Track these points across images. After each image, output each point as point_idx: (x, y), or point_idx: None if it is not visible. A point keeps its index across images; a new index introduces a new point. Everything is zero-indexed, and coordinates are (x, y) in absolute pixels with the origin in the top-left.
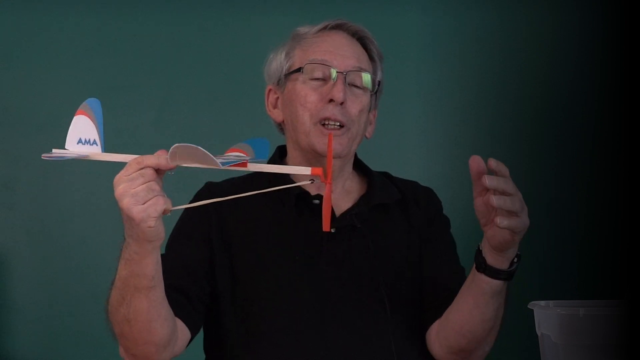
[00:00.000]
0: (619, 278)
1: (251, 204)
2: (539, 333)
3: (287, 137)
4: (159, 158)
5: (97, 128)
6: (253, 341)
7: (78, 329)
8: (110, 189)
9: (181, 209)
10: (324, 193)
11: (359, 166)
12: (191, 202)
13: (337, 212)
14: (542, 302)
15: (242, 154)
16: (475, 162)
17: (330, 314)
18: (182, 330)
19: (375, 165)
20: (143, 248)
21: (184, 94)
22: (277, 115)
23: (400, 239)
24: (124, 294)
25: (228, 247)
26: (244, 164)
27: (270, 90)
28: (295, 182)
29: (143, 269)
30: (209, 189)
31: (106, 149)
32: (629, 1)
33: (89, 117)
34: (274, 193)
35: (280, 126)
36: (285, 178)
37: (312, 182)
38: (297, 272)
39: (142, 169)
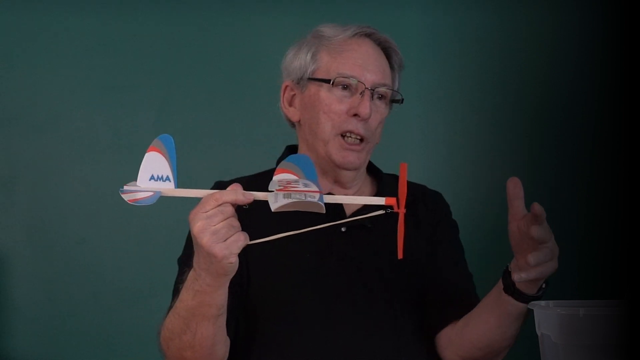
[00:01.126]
0: (619, 278)
1: (262, 202)
2: (539, 333)
3: (300, 137)
4: (237, 193)
5: (169, 164)
6: (261, 337)
7: (78, 329)
8: (111, 189)
9: (261, 242)
10: (333, 192)
11: (369, 168)
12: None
13: (348, 212)
14: (542, 302)
15: (292, 175)
16: (513, 184)
17: (339, 312)
18: (227, 344)
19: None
20: (218, 281)
21: (184, 94)
22: (293, 114)
23: (408, 240)
24: (188, 322)
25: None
26: (323, 198)
27: (287, 86)
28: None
29: (215, 299)
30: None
31: (106, 148)
32: (629, 1)
33: (162, 154)
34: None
35: (293, 123)
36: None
37: (385, 213)
38: (306, 269)
39: (220, 205)
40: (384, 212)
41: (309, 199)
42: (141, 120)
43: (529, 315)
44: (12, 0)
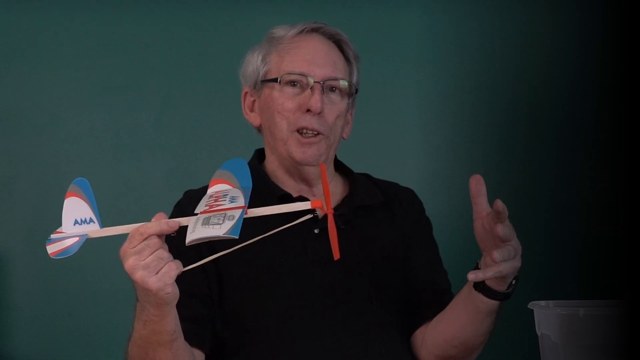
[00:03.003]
0: (619, 278)
1: None
2: (539, 333)
3: (264, 141)
4: (160, 224)
5: (90, 206)
6: (243, 345)
7: (78, 329)
8: (110, 189)
9: (196, 266)
10: (302, 193)
11: (340, 168)
12: (172, 212)
13: (320, 214)
14: (542, 302)
15: (226, 185)
16: (475, 181)
17: (317, 314)
18: (199, 358)
19: (373, 166)
20: (162, 311)
21: (184, 94)
22: (254, 119)
23: (384, 238)
24: (146, 350)
25: (213, 252)
26: (245, 213)
27: (246, 92)
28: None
29: (164, 327)
30: (189, 199)
31: (106, 148)
32: (629, 1)
33: (80, 197)
34: (257, 195)
35: (258, 129)
36: (274, 192)
37: (313, 216)
38: (282, 273)
39: (145, 239)
40: (312, 216)
41: (223, 227)
42: (141, 120)
43: (500, 311)
44: (12, 0)
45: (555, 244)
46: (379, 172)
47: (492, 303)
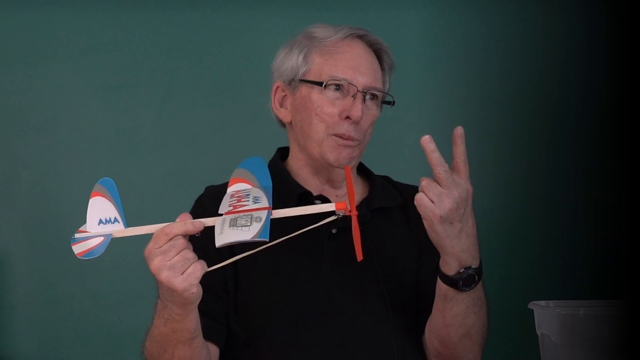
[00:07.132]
0: (619, 278)
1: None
2: (539, 333)
3: (291, 138)
4: (186, 224)
5: (115, 206)
6: (255, 340)
7: (78, 329)
8: None
9: (219, 267)
10: (327, 194)
11: (361, 169)
12: (193, 207)
13: (340, 215)
14: (542, 302)
15: (245, 184)
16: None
17: (332, 312)
18: (214, 352)
19: (374, 166)
20: (185, 310)
21: (184, 93)
22: (284, 115)
23: (400, 240)
24: (165, 347)
25: (231, 247)
26: (270, 213)
27: (278, 87)
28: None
29: (185, 325)
30: (210, 194)
31: (106, 148)
32: (630, 1)
33: (105, 197)
34: (276, 193)
35: (283, 124)
36: (294, 188)
37: (336, 218)
38: (298, 271)
39: (171, 239)
40: (336, 217)
41: (252, 230)
42: (141, 119)
43: (457, 301)
44: (12, 0)
45: (556, 244)
46: (380, 172)
47: (444, 287)
